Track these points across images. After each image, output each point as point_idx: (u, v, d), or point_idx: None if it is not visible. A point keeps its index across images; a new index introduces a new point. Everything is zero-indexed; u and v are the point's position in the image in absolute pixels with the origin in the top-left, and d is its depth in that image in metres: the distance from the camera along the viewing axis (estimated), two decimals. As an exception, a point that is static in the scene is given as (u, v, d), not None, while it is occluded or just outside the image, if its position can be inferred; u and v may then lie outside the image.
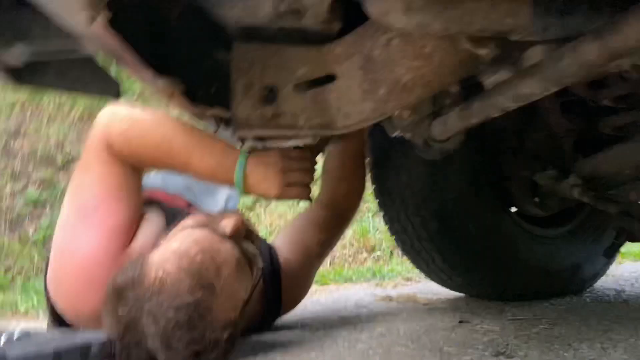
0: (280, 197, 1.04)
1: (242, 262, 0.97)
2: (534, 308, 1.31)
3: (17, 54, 0.75)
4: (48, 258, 1.12)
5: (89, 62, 0.88)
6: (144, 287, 0.88)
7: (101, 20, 0.60)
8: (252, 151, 1.07)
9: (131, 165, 1.06)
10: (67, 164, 3.57)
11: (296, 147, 1.12)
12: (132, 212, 1.06)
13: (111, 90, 0.88)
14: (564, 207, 1.34)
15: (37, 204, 3.37)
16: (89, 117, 3.93)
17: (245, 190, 1.03)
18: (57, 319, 1.12)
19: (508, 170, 1.37)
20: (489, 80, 0.83)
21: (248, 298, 0.99)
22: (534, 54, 0.76)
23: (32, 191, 3.39)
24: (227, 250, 0.95)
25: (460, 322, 1.20)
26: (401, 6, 0.72)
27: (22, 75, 0.85)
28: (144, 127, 1.04)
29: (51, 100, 3.91)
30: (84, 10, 0.55)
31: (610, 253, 1.28)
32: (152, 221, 1.10)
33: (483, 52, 0.82)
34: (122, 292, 0.90)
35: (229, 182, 1.03)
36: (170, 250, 0.92)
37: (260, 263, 1.03)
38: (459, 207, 1.35)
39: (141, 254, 0.96)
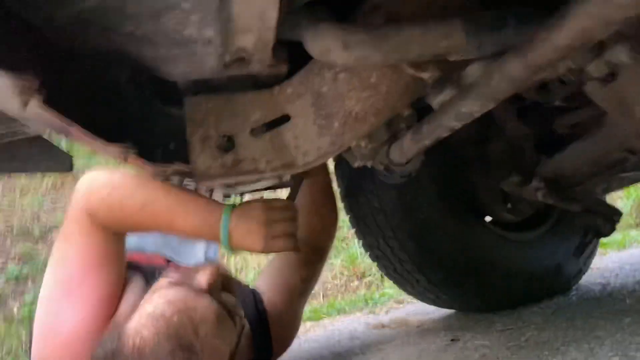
0: (266, 250, 1.01)
1: (221, 314, 0.95)
2: (522, 315, 1.31)
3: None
4: (30, 339, 1.09)
5: (37, 140, 0.88)
6: (123, 358, 0.87)
7: (36, 102, 0.60)
8: (235, 205, 1.06)
9: (114, 231, 1.04)
10: (45, 235, 3.51)
11: (275, 198, 1.12)
12: (117, 281, 1.04)
13: (63, 164, 0.88)
14: (535, 209, 1.36)
15: (18, 280, 3.30)
16: (62, 184, 3.90)
17: (232, 246, 1.01)
18: None
19: (475, 181, 1.39)
20: (436, 101, 0.85)
21: (234, 349, 0.97)
22: (473, 71, 0.78)
23: (13, 267, 3.32)
24: (204, 305, 0.93)
25: (452, 340, 1.20)
26: (339, 44, 0.74)
27: (-27, 160, 0.85)
28: (124, 193, 1.02)
29: (21, 173, 3.86)
30: (15, 97, 0.56)
31: (580, 252, 1.30)
32: (134, 286, 1.08)
33: (425, 75, 0.85)
34: None
35: (215, 239, 1.02)
36: (145, 315, 0.90)
37: (241, 312, 1.02)
38: (432, 225, 1.36)
39: (117, 323, 0.94)
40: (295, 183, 1.21)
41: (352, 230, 3.65)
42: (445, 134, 0.79)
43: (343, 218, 3.79)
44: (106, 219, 1.02)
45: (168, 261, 1.40)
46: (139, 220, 1.02)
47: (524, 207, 1.34)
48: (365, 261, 3.37)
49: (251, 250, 1.02)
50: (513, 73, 0.54)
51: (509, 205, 1.39)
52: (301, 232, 1.38)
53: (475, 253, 1.39)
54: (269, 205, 1.05)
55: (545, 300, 1.45)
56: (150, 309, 0.91)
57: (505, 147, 1.32)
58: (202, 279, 0.97)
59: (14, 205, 3.72)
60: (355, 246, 3.48)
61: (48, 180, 3.87)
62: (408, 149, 0.92)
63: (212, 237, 1.03)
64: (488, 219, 1.45)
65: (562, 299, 1.45)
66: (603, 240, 2.33)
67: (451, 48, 0.76)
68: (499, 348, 1.01)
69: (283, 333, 1.29)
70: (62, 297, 1.01)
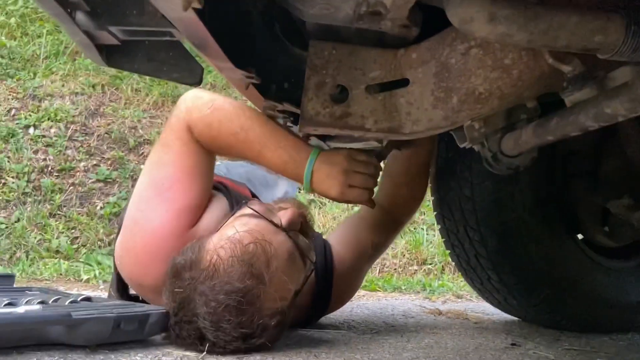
0: (340, 197, 1.04)
1: (294, 254, 0.99)
2: (591, 340, 1.25)
3: (113, 33, 0.80)
4: (118, 230, 1.18)
5: (176, 47, 0.92)
6: (199, 269, 0.93)
7: (194, 8, 0.63)
8: (323, 149, 1.08)
9: (208, 149, 1.10)
10: (138, 146, 3.74)
11: (364, 151, 1.13)
12: (203, 194, 1.10)
13: (194, 75, 0.92)
14: (636, 238, 1.27)
15: (107, 182, 3.55)
16: (162, 104, 4.10)
17: (312, 187, 1.04)
18: (122, 288, 1.18)
19: (578, 194, 1.32)
20: (570, 97, 0.80)
21: (299, 289, 1.01)
22: (622, 75, 0.73)
23: (104, 169, 3.58)
24: (280, 241, 0.97)
25: (512, 344, 1.16)
26: (486, 15, 0.71)
27: (113, 56, 0.91)
28: (224, 114, 1.07)
29: (129, 85, 4.11)
30: (179, -1, 0.58)
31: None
32: (218, 205, 1.14)
33: (567, 68, 0.80)
34: (180, 272, 0.95)
35: (298, 177, 1.05)
36: (226, 238, 0.96)
37: (313, 257, 1.05)
38: (521, 227, 1.31)
39: (200, 237, 1.00)
40: (388, 145, 1.19)
41: (422, 216, 3.59)
42: (575, 133, 0.75)
43: (420, 200, 3.72)
44: (202, 135, 1.07)
45: (253, 195, 1.45)
46: (232, 143, 1.07)
47: (624, 233, 1.26)
48: (428, 249, 3.32)
49: (327, 194, 1.05)
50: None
51: (607, 228, 1.30)
52: (385, 199, 1.38)
53: (558, 267, 1.33)
54: (353, 156, 1.06)
55: (619, 333, 1.37)
56: (231, 233, 0.96)
57: (622, 166, 1.23)
58: (284, 216, 1.02)
59: (117, 114, 3.97)
60: (423, 232, 3.44)
61: (151, 97, 4.09)
62: (525, 141, 0.88)
63: (294, 175, 1.06)
64: (580, 236, 1.38)
65: (637, 336, 1.36)
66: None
67: (605, 45, 0.70)
68: (563, 365, 0.97)
69: (344, 290, 1.31)
70: (153, 196, 1.08)
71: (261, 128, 1.07)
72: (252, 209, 1.04)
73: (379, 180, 1.16)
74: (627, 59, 0.72)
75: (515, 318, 1.57)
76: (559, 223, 1.34)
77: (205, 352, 0.91)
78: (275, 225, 1.00)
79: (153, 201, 1.07)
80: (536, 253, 1.32)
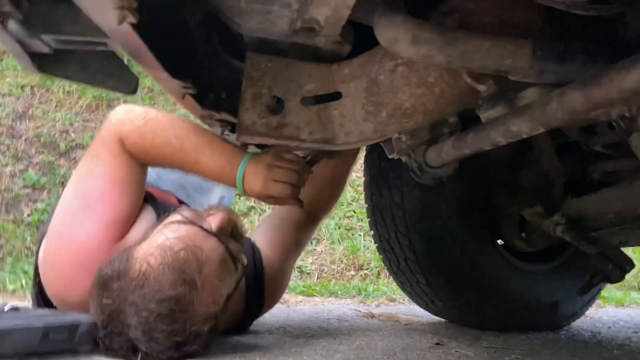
0: (263, 191, 1.06)
1: (225, 258, 1.00)
2: (509, 339, 1.35)
3: (45, 42, 0.80)
4: (41, 240, 1.14)
5: (110, 56, 0.92)
6: (128, 279, 0.93)
7: (129, 22, 0.65)
8: (256, 154, 1.11)
9: (140, 161, 1.10)
10: (70, 151, 3.60)
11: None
12: (133, 207, 1.10)
13: (129, 85, 0.92)
14: (550, 244, 1.38)
15: (35, 187, 3.39)
16: (97, 107, 3.98)
17: (243, 188, 1.06)
18: (44, 302, 1.14)
19: (498, 203, 1.41)
20: (485, 114, 0.87)
21: (231, 293, 1.03)
22: (529, 95, 0.81)
23: (32, 174, 3.42)
24: (211, 246, 0.98)
25: (436, 343, 1.23)
26: (410, 37, 0.77)
27: (45, 62, 0.90)
28: (158, 125, 1.08)
29: (61, 87, 3.95)
30: (115, 10, 0.60)
31: (584, 291, 1.32)
32: (146, 216, 1.13)
33: (482, 88, 0.87)
34: (107, 283, 0.94)
35: (233, 181, 1.07)
36: (155, 245, 0.96)
37: (244, 260, 1.07)
38: (447, 233, 1.39)
39: (127, 247, 0.99)
40: (319, 153, 1.24)
41: (360, 223, 3.67)
42: (487, 147, 0.82)
43: (354, 208, 3.80)
44: (135, 147, 1.07)
45: (180, 202, 1.45)
46: (166, 153, 1.07)
47: (538, 239, 1.36)
48: (365, 255, 3.40)
49: (253, 191, 1.07)
50: (572, 104, 0.57)
51: (524, 234, 1.41)
52: (307, 199, 1.42)
53: (480, 271, 1.42)
54: (279, 154, 1.10)
55: (534, 332, 1.48)
56: (160, 241, 0.97)
57: (536, 177, 1.34)
58: (213, 221, 1.02)
59: (47, 116, 3.81)
60: (360, 238, 3.52)
61: (85, 100, 3.95)
62: (446, 153, 0.95)
63: (230, 180, 1.08)
64: (500, 242, 1.48)
65: (551, 334, 1.47)
66: (603, 294, 2.35)
67: (514, 68, 0.78)
68: (481, 362, 1.05)
69: (275, 290, 1.34)
70: (80, 208, 1.06)
71: (197, 137, 1.08)
72: (181, 215, 1.04)
73: None
74: (535, 81, 0.80)
75: (442, 319, 1.66)
76: (482, 229, 1.44)
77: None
78: (206, 230, 1.01)
79: (80, 214, 1.05)
80: (461, 257, 1.40)
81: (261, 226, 1.49)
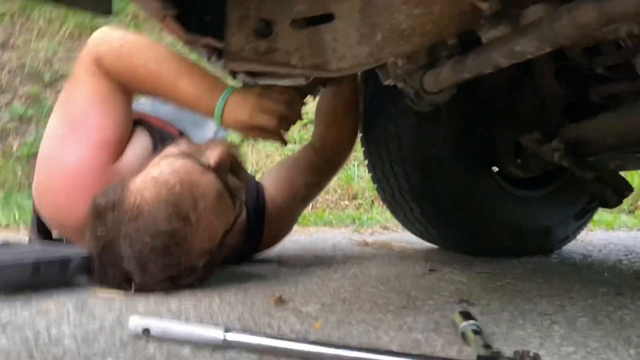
0: (249, 120, 1.02)
1: (223, 194, 0.98)
2: (501, 264, 1.37)
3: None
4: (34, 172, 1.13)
5: (83, -26, 0.85)
6: (122, 210, 0.91)
7: None
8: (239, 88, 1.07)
9: (118, 82, 1.07)
10: (54, 81, 3.50)
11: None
12: (120, 127, 1.07)
13: (104, 4, 0.85)
14: (544, 170, 1.37)
15: (22, 120, 3.33)
16: (79, 35, 3.82)
17: (223, 121, 1.03)
18: (43, 230, 1.14)
19: (494, 129, 1.38)
20: (487, 35, 0.82)
21: (228, 230, 1.01)
22: (534, 12, 0.76)
23: (18, 106, 3.34)
24: (208, 182, 0.95)
25: (430, 270, 1.25)
26: (407, -51, 0.71)
27: (12, -18, 0.83)
28: (136, 47, 1.06)
29: (41, 15, 3.78)
30: None
31: (581, 216, 1.33)
32: (141, 141, 1.11)
33: (484, 5, 0.82)
34: (102, 213, 0.93)
35: (210, 110, 1.03)
36: (150, 178, 0.93)
37: (242, 196, 1.05)
38: (442, 162, 1.37)
39: (123, 178, 0.97)
40: (312, 81, 1.18)
41: (354, 153, 3.67)
42: (489, 70, 0.78)
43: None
44: (113, 68, 1.05)
45: (181, 133, 1.42)
46: (143, 76, 1.05)
47: (534, 165, 1.35)
48: (359, 184, 3.42)
49: (237, 120, 1.03)
50: (584, 19, 0.53)
51: (519, 161, 1.39)
52: (317, 141, 1.40)
53: (474, 198, 1.41)
54: (269, 86, 1.06)
55: (526, 257, 1.50)
56: (156, 174, 0.94)
57: (534, 102, 1.30)
58: (212, 156, 0.99)
59: (29, 46, 3.67)
60: (354, 168, 3.52)
61: (66, 28, 3.79)
62: (445, 78, 0.91)
63: (207, 108, 1.04)
64: (495, 169, 1.46)
65: (542, 259, 1.50)
66: (594, 218, 2.38)
67: (519, -18, 0.73)
68: (474, 286, 1.06)
69: (275, 230, 1.34)
70: (66, 133, 1.05)
71: (176, 62, 1.05)
72: (178, 148, 1.01)
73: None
74: (541, -3, 0.74)
75: (435, 246, 1.68)
76: (477, 157, 1.42)
77: (132, 291, 0.91)
78: (203, 165, 0.98)
79: (67, 138, 1.04)
80: (455, 185, 1.39)
81: (275, 167, 1.48)
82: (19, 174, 2.98)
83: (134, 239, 0.89)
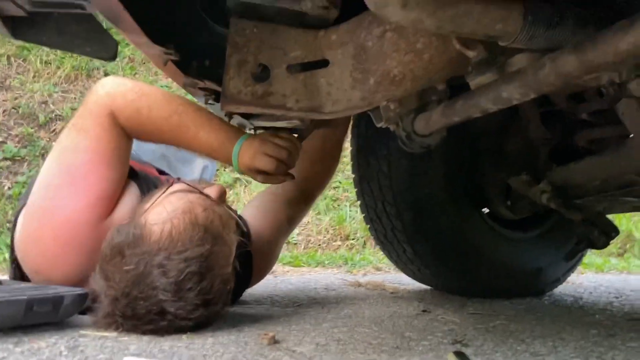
0: (250, 162, 1.05)
1: (235, 222, 1.03)
2: (494, 305, 1.37)
3: (19, 4, 0.76)
4: (17, 215, 1.11)
5: (88, 20, 0.89)
6: (149, 242, 0.91)
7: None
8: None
9: (132, 135, 1.08)
10: (49, 123, 3.52)
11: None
12: (120, 182, 1.08)
13: (108, 50, 0.89)
14: (534, 212, 1.39)
15: (15, 160, 3.33)
16: (76, 77, 3.88)
17: (239, 165, 1.06)
18: (21, 278, 1.12)
19: (485, 171, 1.42)
20: (474, 81, 0.86)
21: (235, 256, 1.03)
22: (519, 61, 0.79)
23: (11, 146, 3.35)
24: (222, 209, 1.00)
25: (423, 311, 1.25)
26: (399, 0, 0.75)
27: (20, 27, 0.86)
28: (154, 99, 1.06)
29: (38, 57, 3.84)
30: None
31: (570, 257, 1.35)
32: (131, 193, 1.12)
33: (471, 54, 0.85)
34: (124, 250, 0.91)
35: (228, 158, 1.07)
36: (171, 209, 0.95)
37: (243, 228, 1.07)
38: (434, 202, 1.39)
39: (131, 216, 0.98)
40: (310, 125, 1.23)
41: (346, 193, 3.68)
42: (477, 115, 0.81)
43: (340, 179, 3.81)
44: (129, 121, 1.05)
45: (161, 173, 1.43)
46: (162, 128, 1.06)
47: (523, 207, 1.37)
48: (352, 225, 3.42)
49: (244, 165, 1.06)
50: (566, 68, 0.56)
51: (509, 202, 1.42)
52: (299, 175, 1.41)
53: (466, 239, 1.43)
54: (275, 132, 1.10)
55: (518, 298, 1.51)
56: (175, 205, 0.96)
57: (522, 145, 1.34)
58: (212, 191, 1.03)
59: (25, 87, 3.71)
60: (346, 208, 3.53)
61: (63, 71, 3.85)
62: (435, 121, 0.94)
63: (226, 156, 1.07)
64: (486, 210, 1.49)
65: (534, 300, 1.50)
66: (583, 260, 2.39)
67: (505, 33, 0.76)
68: (467, 327, 1.06)
69: (262, 264, 1.34)
70: (64, 184, 1.03)
71: (195, 112, 1.07)
72: (187, 184, 1.05)
73: None
74: (525, 47, 0.78)
75: (428, 287, 1.68)
76: (468, 198, 1.44)
77: (122, 330, 0.90)
78: (209, 197, 1.02)
79: (65, 189, 1.02)
80: (447, 226, 1.41)
81: (254, 201, 1.49)
82: (9, 213, 2.96)
83: (168, 267, 0.89)
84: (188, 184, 1.04)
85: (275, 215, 1.37)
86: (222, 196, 1.04)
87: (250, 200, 1.58)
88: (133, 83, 1.08)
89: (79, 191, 1.02)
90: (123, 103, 1.04)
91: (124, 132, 1.06)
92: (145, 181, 1.18)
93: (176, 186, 1.03)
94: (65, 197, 1.02)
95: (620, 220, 3.67)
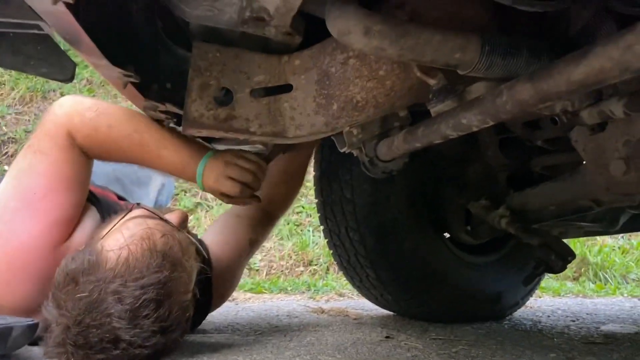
0: (214, 186, 1.04)
1: (194, 249, 1.01)
2: (455, 330, 1.38)
3: (-30, 23, 0.73)
4: None
5: (45, 41, 0.86)
6: (105, 269, 0.88)
7: (64, 1, 0.60)
8: (218, 151, 1.09)
9: (91, 155, 1.04)
10: (1, 145, 3.40)
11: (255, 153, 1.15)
12: (79, 206, 1.05)
13: (65, 71, 0.86)
14: (493, 236, 1.42)
15: (-38, 183, 3.18)
16: (30, 99, 3.77)
17: (202, 183, 1.04)
18: None
19: (445, 197, 1.44)
20: (435, 108, 0.88)
21: (194, 283, 1.01)
22: (477, 89, 0.82)
23: (-40, 170, 3.20)
24: (182, 235, 0.99)
25: (386, 337, 1.24)
26: (362, 28, 0.76)
27: (-29, 46, 0.83)
28: (114, 118, 1.02)
29: (-9, 77, 3.72)
30: (49, -12, 0.55)
31: (528, 281, 1.37)
32: (89, 216, 1.08)
33: (432, 81, 0.88)
34: (78, 277, 0.88)
35: (192, 177, 1.05)
36: (129, 235, 0.92)
37: (204, 254, 1.05)
38: (396, 227, 1.40)
39: (88, 242, 0.95)
40: (274, 149, 1.22)
41: (309, 218, 3.68)
42: (438, 141, 0.82)
43: (303, 204, 3.80)
44: (87, 141, 1.02)
45: (120, 198, 1.40)
46: (123, 147, 1.03)
47: (483, 232, 1.40)
48: (314, 250, 3.41)
49: (208, 186, 1.05)
50: (522, 96, 0.58)
51: (469, 227, 1.44)
52: (264, 196, 1.40)
53: (428, 264, 1.44)
54: (239, 152, 1.09)
55: (478, 322, 1.52)
56: (133, 231, 0.93)
57: (482, 171, 1.37)
58: (174, 218, 1.02)
59: (-24, 108, 3.58)
60: (309, 233, 3.52)
61: (17, 92, 3.74)
62: (397, 147, 0.95)
63: (191, 175, 1.05)
64: (447, 235, 1.51)
65: (494, 324, 1.52)
66: (541, 284, 2.45)
67: (464, 62, 0.78)
68: (430, 353, 1.06)
69: (223, 289, 1.32)
70: (21, 207, 0.99)
71: (157, 130, 1.05)
72: (147, 209, 1.02)
73: None
74: (482, 75, 0.81)
75: (391, 312, 1.67)
76: (430, 223, 1.46)
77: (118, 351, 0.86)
78: (169, 223, 1.00)
79: (21, 213, 0.98)
80: (409, 251, 1.42)
81: (216, 223, 1.46)
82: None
83: (124, 294, 0.86)
84: (148, 210, 1.01)
85: (236, 238, 1.34)
86: (183, 222, 1.02)
87: (214, 221, 1.56)
88: (91, 101, 1.05)
89: (35, 216, 0.98)
90: (80, 122, 1.01)
91: (83, 153, 1.03)
92: (105, 206, 1.15)
93: (135, 212, 1.00)
94: (20, 222, 0.98)
95: (574, 244, 3.79)
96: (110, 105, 1.07)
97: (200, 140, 1.15)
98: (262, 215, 1.39)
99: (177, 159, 1.03)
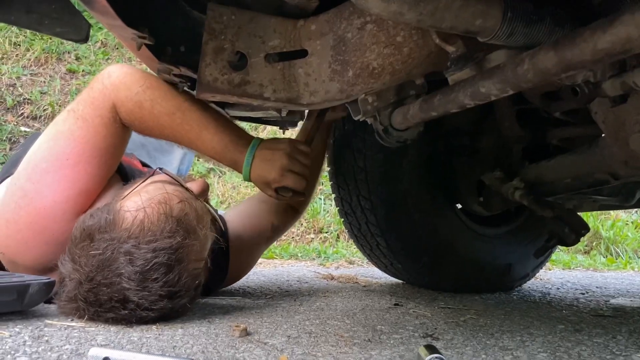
0: (278, 180, 1.03)
1: (212, 215, 1.01)
2: (464, 299, 1.39)
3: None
4: None
5: (59, 0, 0.85)
6: (120, 229, 0.89)
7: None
8: (264, 140, 1.08)
9: (132, 129, 1.04)
10: (17, 106, 3.42)
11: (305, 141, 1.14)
12: (107, 177, 1.05)
13: (79, 31, 0.86)
14: (505, 208, 1.41)
15: (-20, 144, 3.22)
16: (46, 60, 3.77)
17: (250, 173, 1.03)
18: None
19: (459, 168, 1.43)
20: (453, 76, 0.86)
21: (209, 253, 1.02)
22: (498, 57, 0.80)
23: (-24, 129, 3.24)
24: (199, 204, 0.98)
25: (395, 304, 1.25)
26: (380, -8, 0.74)
27: (-15, 4, 0.82)
28: (159, 94, 1.02)
29: (7, 38, 3.72)
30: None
31: (540, 254, 1.37)
32: (113, 186, 1.09)
33: (451, 49, 0.86)
34: (94, 234, 0.89)
35: (237, 162, 1.04)
36: (147, 198, 0.92)
37: (221, 224, 1.06)
38: (408, 197, 1.40)
39: (109, 202, 0.95)
40: (313, 127, 1.21)
41: (320, 186, 3.69)
42: (454, 110, 0.81)
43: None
44: (130, 116, 1.02)
45: (144, 165, 1.40)
46: (163, 124, 1.02)
47: (495, 203, 1.39)
48: (325, 218, 3.43)
49: (264, 178, 1.03)
50: (545, 65, 0.56)
51: (482, 199, 1.43)
52: None
53: (439, 234, 1.44)
54: (296, 144, 1.07)
55: (488, 293, 1.53)
56: (152, 195, 0.94)
57: (496, 143, 1.36)
58: (194, 185, 1.01)
59: (-9, 68, 3.59)
60: (320, 201, 3.53)
61: (32, 53, 3.73)
62: (412, 116, 0.94)
63: (232, 160, 1.05)
64: (459, 206, 1.50)
65: (503, 295, 1.53)
66: (551, 257, 2.45)
67: (484, 28, 0.76)
68: (438, 321, 1.07)
69: (239, 265, 1.32)
70: (52, 170, 0.99)
71: (201, 111, 1.04)
72: (168, 174, 1.02)
73: None
74: (503, 43, 0.79)
75: (400, 281, 1.69)
76: (442, 194, 1.45)
77: (87, 318, 0.88)
78: (190, 191, 1.00)
79: (50, 176, 0.98)
80: (420, 221, 1.42)
81: (241, 204, 1.48)
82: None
83: (135, 256, 0.87)
84: (170, 175, 1.02)
85: (259, 221, 1.35)
86: (204, 192, 1.02)
87: (240, 202, 1.58)
88: (140, 74, 1.03)
89: (63, 182, 0.99)
90: (126, 96, 1.01)
91: (124, 126, 1.04)
92: (130, 175, 1.15)
93: (157, 176, 1.01)
94: (48, 185, 0.98)
95: (587, 218, 3.77)
96: (157, 81, 1.04)
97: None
98: (287, 205, 1.39)
99: (217, 143, 1.03)
